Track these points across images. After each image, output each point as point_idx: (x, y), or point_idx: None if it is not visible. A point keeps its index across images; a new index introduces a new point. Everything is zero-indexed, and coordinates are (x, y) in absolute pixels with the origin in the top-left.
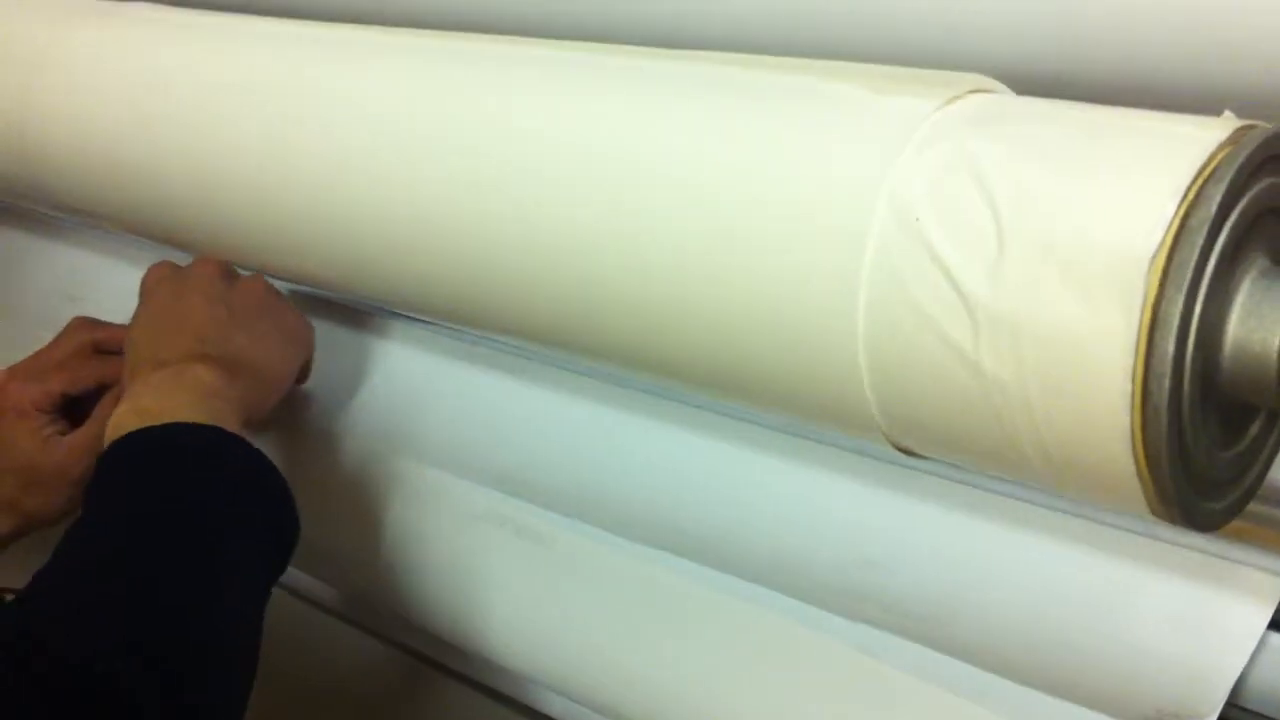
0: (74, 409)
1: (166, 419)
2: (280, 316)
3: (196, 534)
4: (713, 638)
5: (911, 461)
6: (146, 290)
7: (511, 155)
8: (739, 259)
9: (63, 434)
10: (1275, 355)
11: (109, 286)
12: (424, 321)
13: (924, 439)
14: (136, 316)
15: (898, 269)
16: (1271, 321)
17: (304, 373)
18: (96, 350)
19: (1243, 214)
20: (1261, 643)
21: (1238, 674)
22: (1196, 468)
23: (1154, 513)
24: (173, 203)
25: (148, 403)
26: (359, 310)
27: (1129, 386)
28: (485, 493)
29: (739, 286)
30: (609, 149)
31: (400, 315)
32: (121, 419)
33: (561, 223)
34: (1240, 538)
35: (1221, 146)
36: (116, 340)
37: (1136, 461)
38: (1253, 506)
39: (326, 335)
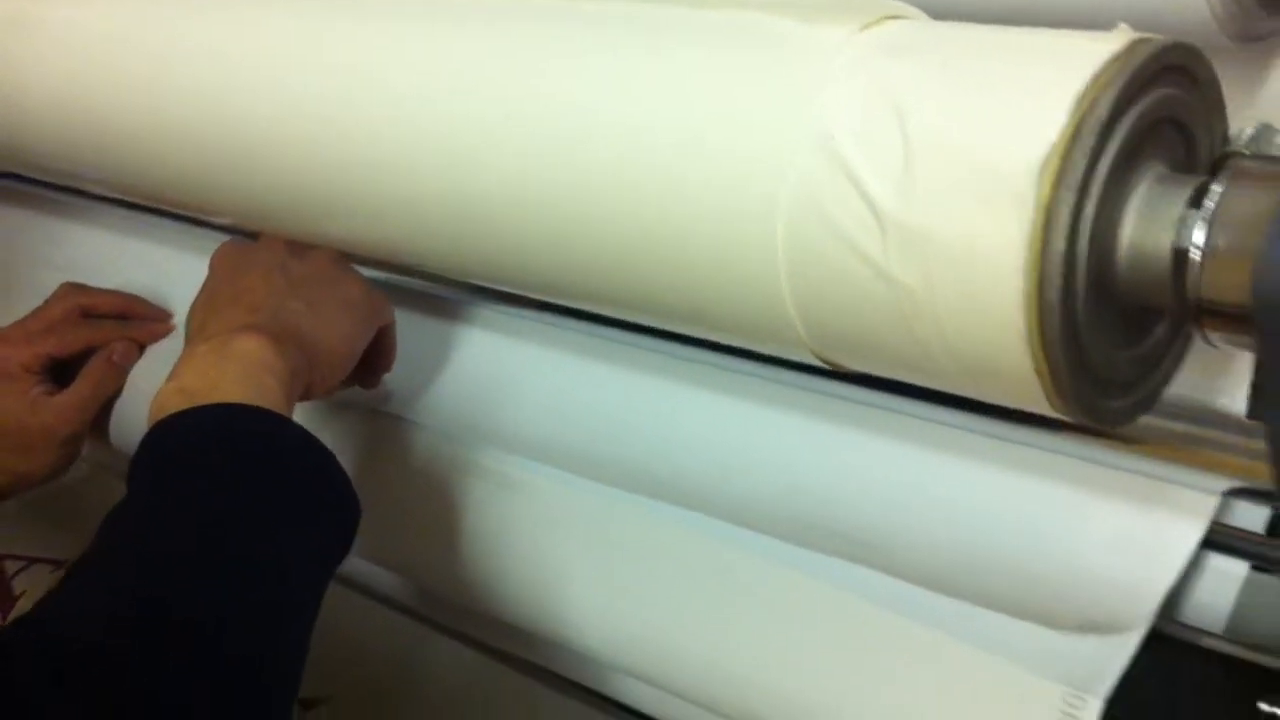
0: (63, 373)
1: (212, 398)
2: (345, 287)
3: (246, 528)
4: (665, 567)
5: (854, 394)
6: (210, 267)
7: (445, 98)
8: (668, 188)
9: (50, 395)
10: (1168, 256)
11: (101, 260)
12: (501, 306)
13: (847, 352)
14: (198, 294)
15: (815, 190)
16: (1165, 223)
17: (385, 359)
18: (85, 314)
19: (1137, 121)
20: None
21: (1167, 589)
22: (1095, 366)
23: (1054, 408)
24: (146, 157)
25: (190, 380)
26: (434, 296)
27: (1023, 284)
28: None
29: (669, 215)
30: (540, 85)
31: (477, 300)
32: (165, 399)
33: (494, 162)
34: (1176, 459)
35: (1115, 58)
36: (104, 305)
37: (1034, 358)
38: (1188, 428)
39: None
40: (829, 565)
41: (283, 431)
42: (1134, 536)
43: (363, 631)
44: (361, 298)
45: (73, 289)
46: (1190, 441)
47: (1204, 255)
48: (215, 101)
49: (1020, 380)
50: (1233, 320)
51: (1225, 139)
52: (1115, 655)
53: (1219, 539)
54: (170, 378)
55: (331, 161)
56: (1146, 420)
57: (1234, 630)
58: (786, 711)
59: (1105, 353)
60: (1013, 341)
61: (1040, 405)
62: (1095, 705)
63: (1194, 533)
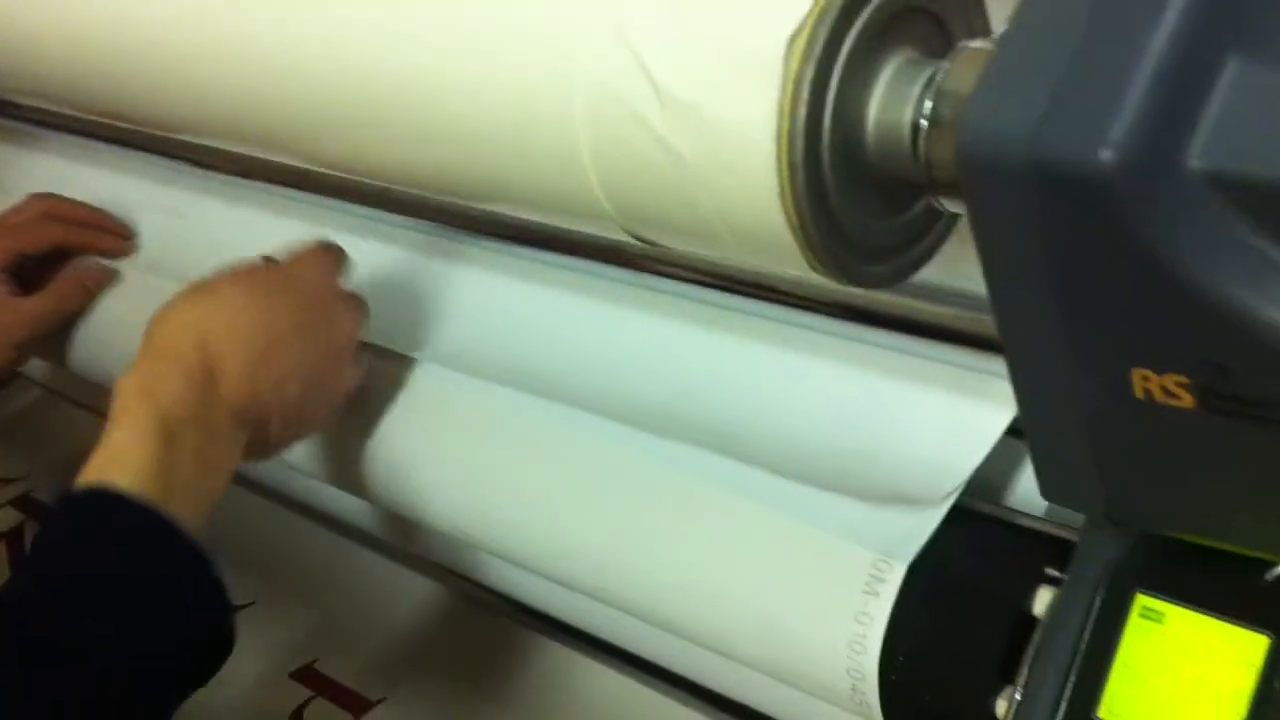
0: (30, 282)
1: (121, 475)
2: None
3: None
4: (552, 459)
5: (716, 299)
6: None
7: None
8: (480, 75)
9: (14, 297)
10: (907, 130)
11: (53, 187)
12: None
13: (648, 226)
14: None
15: (608, 71)
16: (905, 100)
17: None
18: (53, 217)
19: (881, 6)
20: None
21: (972, 468)
22: (851, 231)
23: (814, 269)
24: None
25: (118, 440)
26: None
27: (774, 148)
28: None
29: (479, 101)
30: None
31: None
32: (96, 465)
33: (301, 44)
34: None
35: None
36: (73, 213)
37: (786, 215)
38: None
39: None
40: (673, 450)
41: (166, 543)
42: (948, 422)
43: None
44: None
45: (43, 195)
46: None
47: (929, 127)
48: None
49: (780, 241)
50: (954, 188)
51: (987, 34)
52: (921, 526)
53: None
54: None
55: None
56: (974, 316)
57: (1026, 504)
58: (628, 580)
59: (862, 220)
60: (769, 202)
61: (800, 266)
62: (900, 569)
63: (1002, 420)
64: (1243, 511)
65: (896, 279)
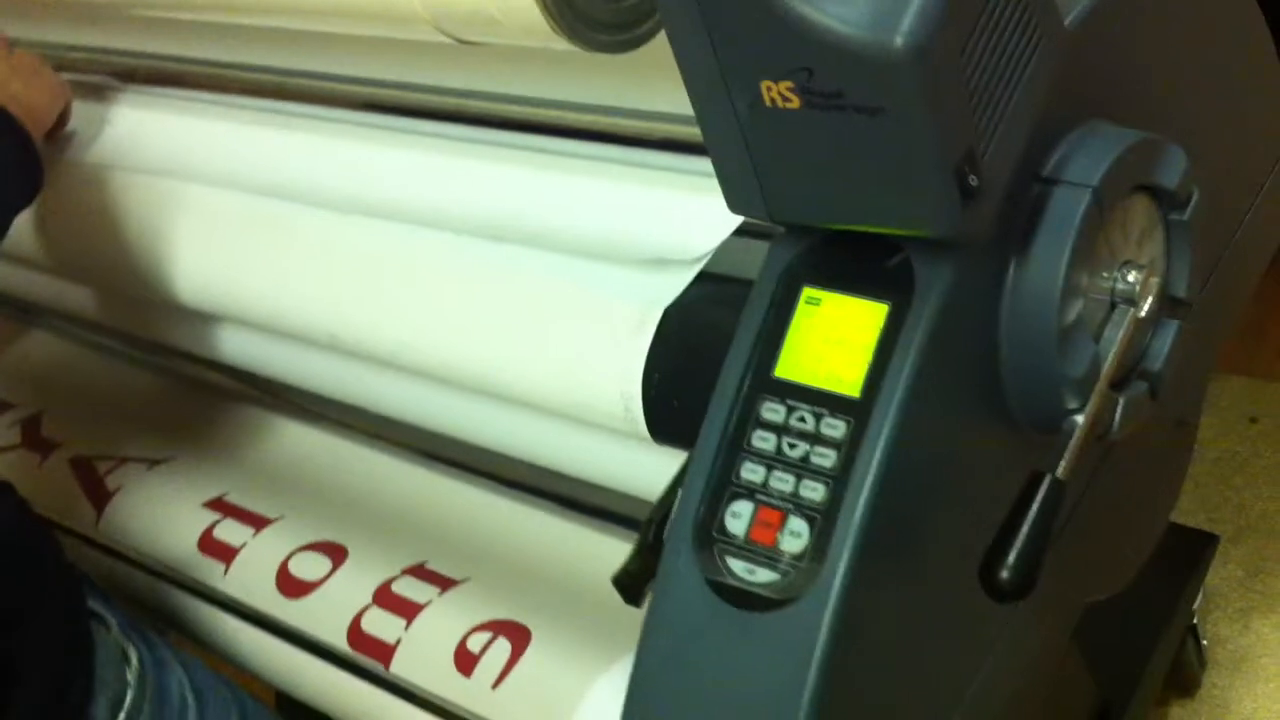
0: None
1: None
2: (46, 74)
3: None
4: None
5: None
6: None
7: None
8: None
9: None
10: None
11: None
12: None
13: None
14: None
15: None
16: None
17: (64, 118)
18: None
19: None
20: None
21: (716, 242)
22: (581, 7)
23: (556, 34)
24: None
25: None
26: None
27: None
28: None
29: None
30: None
31: None
32: None
33: None
34: None
35: None
36: None
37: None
38: None
39: None
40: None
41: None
42: (699, 210)
43: None
44: (57, 83)
45: None
46: None
47: None
48: None
49: (524, 12)
50: None
51: None
52: (675, 283)
53: None
54: None
55: None
56: None
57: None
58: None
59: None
60: None
61: (544, 36)
62: (657, 313)
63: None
64: (855, 192)
65: (624, 49)
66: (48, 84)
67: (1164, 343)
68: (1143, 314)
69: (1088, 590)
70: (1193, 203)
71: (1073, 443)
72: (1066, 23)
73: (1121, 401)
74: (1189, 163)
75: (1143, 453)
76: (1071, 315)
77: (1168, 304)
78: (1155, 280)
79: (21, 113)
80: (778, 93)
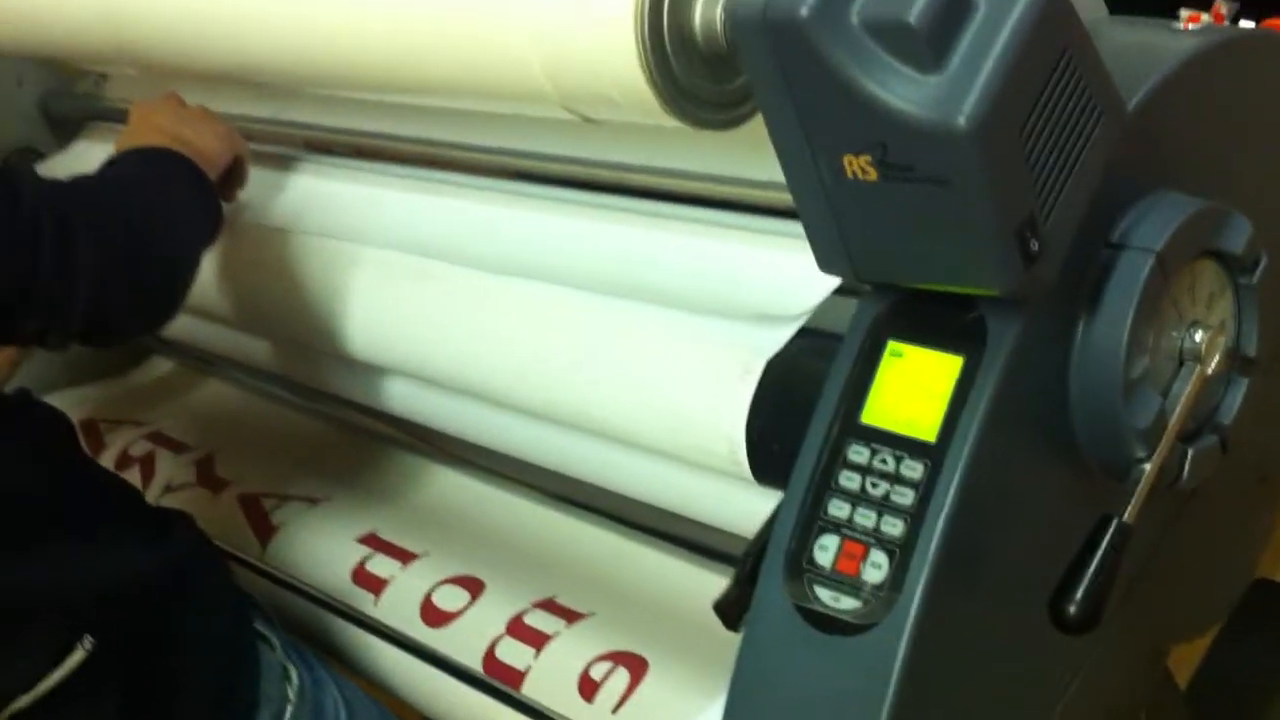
0: None
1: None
2: (214, 123)
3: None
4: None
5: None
6: (130, 113)
7: None
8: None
9: None
10: (719, 28)
11: None
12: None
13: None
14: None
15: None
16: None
17: (240, 177)
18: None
19: None
20: None
21: (818, 298)
22: (693, 90)
23: (665, 111)
24: None
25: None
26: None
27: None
28: None
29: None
30: None
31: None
32: (122, 142)
33: None
34: None
35: None
36: None
37: (643, 68)
38: None
39: None
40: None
41: (180, 159)
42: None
43: None
44: (225, 131)
45: None
46: None
47: (723, 15)
48: None
49: (639, 95)
50: None
51: None
52: (779, 336)
53: None
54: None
55: None
56: None
57: None
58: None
59: (700, 84)
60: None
61: (657, 114)
62: (761, 362)
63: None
64: (929, 255)
65: (729, 126)
66: (216, 131)
67: (1235, 399)
68: (1209, 371)
69: (1168, 634)
70: (1260, 267)
71: (1139, 489)
72: (1132, 101)
73: (1190, 453)
74: (1253, 229)
75: (1224, 505)
76: (1137, 370)
77: (1239, 362)
78: (1221, 339)
79: (192, 155)
80: (858, 166)
